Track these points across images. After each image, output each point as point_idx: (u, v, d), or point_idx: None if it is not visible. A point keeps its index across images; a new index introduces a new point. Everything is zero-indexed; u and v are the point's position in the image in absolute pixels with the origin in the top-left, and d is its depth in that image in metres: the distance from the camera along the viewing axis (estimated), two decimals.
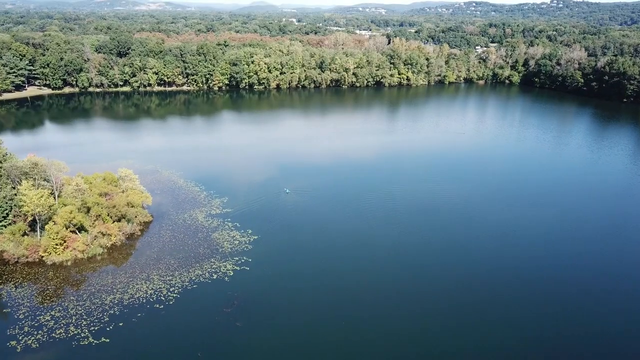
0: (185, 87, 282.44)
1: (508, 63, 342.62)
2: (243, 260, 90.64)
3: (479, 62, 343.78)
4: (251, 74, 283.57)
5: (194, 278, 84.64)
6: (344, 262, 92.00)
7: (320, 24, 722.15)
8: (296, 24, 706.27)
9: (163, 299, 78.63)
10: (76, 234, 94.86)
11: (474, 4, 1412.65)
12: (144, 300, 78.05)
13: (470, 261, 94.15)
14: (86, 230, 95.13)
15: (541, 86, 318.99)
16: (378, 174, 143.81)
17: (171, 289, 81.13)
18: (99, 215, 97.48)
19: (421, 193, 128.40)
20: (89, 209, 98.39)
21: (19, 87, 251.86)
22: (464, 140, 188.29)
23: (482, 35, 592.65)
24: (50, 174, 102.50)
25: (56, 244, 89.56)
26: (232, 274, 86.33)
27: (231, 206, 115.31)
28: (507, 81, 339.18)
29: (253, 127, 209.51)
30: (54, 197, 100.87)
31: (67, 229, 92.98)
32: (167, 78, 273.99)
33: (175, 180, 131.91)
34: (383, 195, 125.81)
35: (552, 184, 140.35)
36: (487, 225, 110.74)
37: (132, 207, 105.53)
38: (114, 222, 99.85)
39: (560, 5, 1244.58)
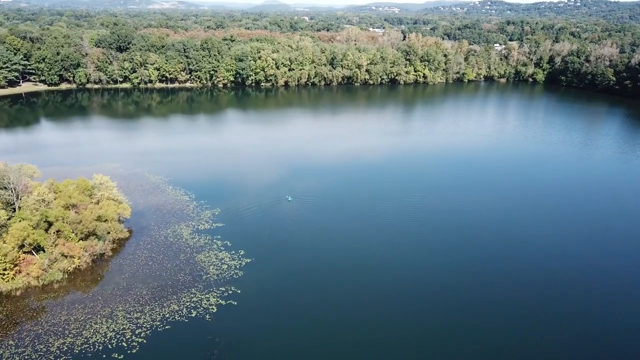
0: (188, 84, 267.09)
1: (532, 60, 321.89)
2: (230, 292, 73.87)
3: (501, 59, 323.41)
4: (258, 70, 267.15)
5: (167, 316, 68.05)
6: (354, 296, 74.83)
7: (333, 22, 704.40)
8: (308, 21, 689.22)
9: (125, 345, 62.16)
10: (33, 254, 79.09)
11: (489, 3, 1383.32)
12: (101, 347, 61.65)
13: (522, 300, 76.57)
14: (45, 251, 79.31)
15: (568, 85, 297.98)
16: (394, 181, 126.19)
17: (137, 331, 64.62)
18: (61, 232, 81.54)
19: (447, 204, 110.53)
20: (50, 225, 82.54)
21: (12, 83, 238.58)
22: (488, 143, 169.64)
23: (501, 33, 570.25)
24: (12, 180, 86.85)
25: (4, 269, 73.71)
26: (215, 310, 69.61)
27: (223, 219, 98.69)
28: (530, 79, 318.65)
29: (258, 127, 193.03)
30: (15, 209, 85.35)
31: (20, 249, 77.23)
32: (169, 74, 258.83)
33: (163, 187, 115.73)
34: (401, 206, 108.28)
35: (592, 194, 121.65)
36: (525, 243, 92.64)
37: (104, 221, 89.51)
38: (80, 240, 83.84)
39: (578, 4, 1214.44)
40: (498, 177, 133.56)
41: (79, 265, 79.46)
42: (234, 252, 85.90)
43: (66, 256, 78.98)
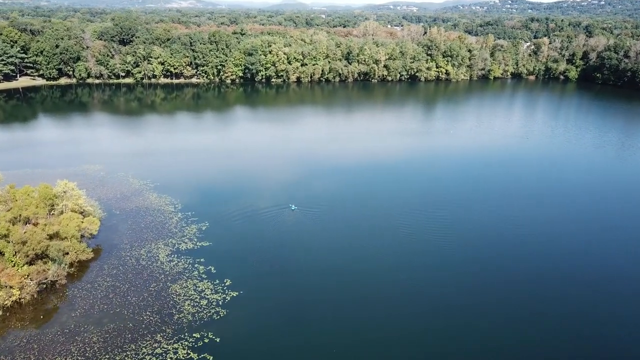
0: (194, 80, 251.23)
1: (564, 56, 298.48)
2: (206, 341, 56.32)
3: (530, 55, 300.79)
4: (268, 65, 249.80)
5: None
6: (368, 342, 56.62)
7: (350, 19, 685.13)
8: (324, 18, 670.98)
9: None
10: None
11: (509, 2, 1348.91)
12: None
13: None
14: None
15: (604, 82, 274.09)
16: (416, 188, 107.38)
17: None
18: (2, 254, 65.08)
19: (482, 220, 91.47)
20: None
21: (9, 77, 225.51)
22: (522, 147, 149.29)
23: (525, 29, 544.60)
24: None
25: None
26: None
27: (210, 236, 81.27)
28: (562, 77, 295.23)
29: (266, 126, 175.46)
30: None
31: None
32: (174, 69, 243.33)
33: (146, 194, 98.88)
34: (424, 220, 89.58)
35: None
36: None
37: (63, 239, 72.96)
38: (27, 264, 67.20)
39: (602, 3, 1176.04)
40: (531, 183, 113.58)
41: (19, 298, 62.68)
42: (217, 281, 68.33)
43: (3, 286, 62.34)
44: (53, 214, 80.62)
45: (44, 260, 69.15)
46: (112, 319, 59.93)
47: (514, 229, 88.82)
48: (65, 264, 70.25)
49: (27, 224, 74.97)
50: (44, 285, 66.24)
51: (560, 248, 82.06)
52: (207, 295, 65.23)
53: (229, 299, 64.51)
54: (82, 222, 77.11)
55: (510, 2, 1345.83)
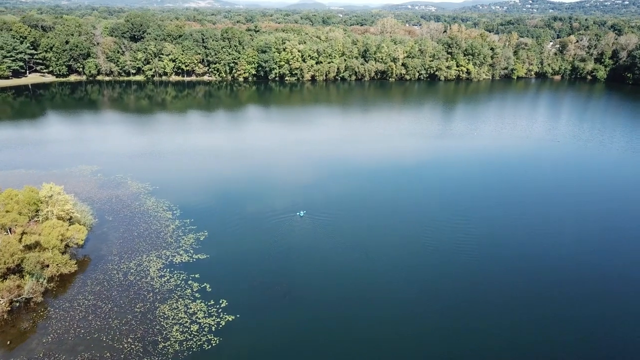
0: (206, 77, 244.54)
1: (591, 55, 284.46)
2: None
3: (555, 54, 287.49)
4: (282, 63, 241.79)
5: None
6: None
7: (367, 18, 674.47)
8: (341, 17, 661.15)
9: None
10: None
11: (530, 1, 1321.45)
12: None
13: None
14: None
15: (635, 83, 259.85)
16: (438, 195, 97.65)
17: None
18: None
19: (521, 237, 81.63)
20: None
21: (18, 74, 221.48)
22: (553, 151, 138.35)
23: (549, 28, 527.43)
24: None
25: None
26: None
27: (208, 248, 73.08)
28: (589, 76, 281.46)
29: (278, 126, 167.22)
30: None
31: None
32: (186, 66, 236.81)
33: (143, 198, 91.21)
34: (447, 232, 79.97)
35: None
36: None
37: (44, 249, 65.52)
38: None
39: (627, 3, 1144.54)
40: (570, 189, 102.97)
41: None
42: (212, 302, 60.03)
43: None
44: (37, 220, 73.36)
45: (19, 275, 61.72)
46: (88, 347, 51.96)
47: (551, 246, 78.76)
48: (44, 279, 62.72)
49: (9, 233, 67.80)
50: (17, 304, 58.68)
51: (604, 267, 71.90)
52: (199, 318, 56.93)
53: (223, 324, 56.11)
54: (67, 230, 69.51)
55: (530, 1, 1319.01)
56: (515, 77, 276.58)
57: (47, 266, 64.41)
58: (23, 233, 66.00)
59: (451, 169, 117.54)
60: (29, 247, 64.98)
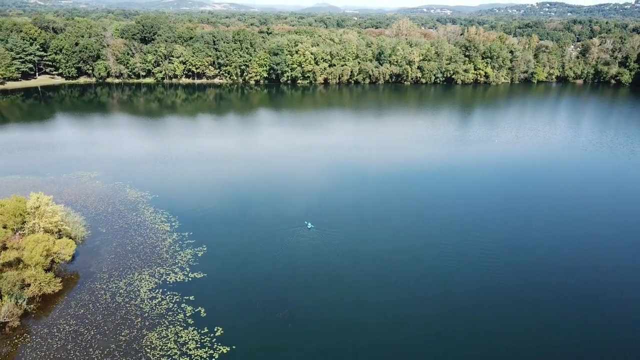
0: (217, 80, 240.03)
1: (616, 59, 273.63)
2: None
3: (577, 57, 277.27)
4: (294, 65, 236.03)
5: None
6: None
7: (382, 21, 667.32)
8: (356, 19, 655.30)
9: None
10: None
11: (547, 5, 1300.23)
12: None
13: None
14: None
15: None
16: (457, 204, 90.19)
17: None
18: None
19: (548, 255, 74.00)
20: None
21: (27, 76, 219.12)
22: (581, 161, 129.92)
23: (568, 31, 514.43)
24: None
25: None
26: None
27: (206, 265, 66.91)
28: (613, 81, 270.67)
29: (289, 130, 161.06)
30: None
31: None
32: (196, 69, 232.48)
33: (141, 208, 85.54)
34: (466, 249, 72.65)
35: None
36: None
37: (26, 266, 60.00)
38: None
39: None
40: (599, 199, 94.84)
41: None
42: (206, 330, 53.72)
43: None
44: (23, 233, 67.94)
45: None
46: None
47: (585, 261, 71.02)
48: (24, 300, 57.06)
49: None
50: None
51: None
52: (190, 349, 50.66)
53: (217, 357, 49.73)
54: (53, 244, 63.95)
55: (548, 5, 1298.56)
56: (535, 81, 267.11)
57: (29, 285, 58.82)
58: (3, 248, 60.52)
59: (471, 177, 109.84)
60: (9, 264, 59.47)
